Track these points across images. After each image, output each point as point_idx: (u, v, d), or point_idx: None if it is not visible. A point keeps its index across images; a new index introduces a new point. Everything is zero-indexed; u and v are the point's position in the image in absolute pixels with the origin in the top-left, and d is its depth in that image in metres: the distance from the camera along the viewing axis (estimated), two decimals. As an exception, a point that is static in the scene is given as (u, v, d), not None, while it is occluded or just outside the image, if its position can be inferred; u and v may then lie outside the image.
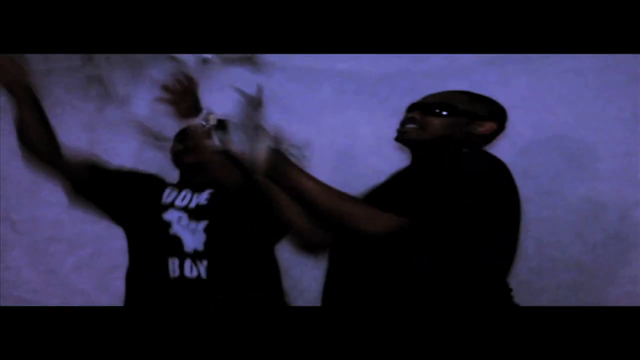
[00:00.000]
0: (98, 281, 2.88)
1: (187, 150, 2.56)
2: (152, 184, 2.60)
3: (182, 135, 2.63)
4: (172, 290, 2.34)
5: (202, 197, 2.50)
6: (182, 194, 2.53)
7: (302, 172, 2.02)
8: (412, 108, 2.29)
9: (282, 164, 1.99)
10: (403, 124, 2.28)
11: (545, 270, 2.79)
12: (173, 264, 2.38)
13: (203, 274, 2.36)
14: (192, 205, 2.49)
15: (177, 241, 2.41)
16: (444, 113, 2.21)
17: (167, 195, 2.53)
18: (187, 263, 2.39)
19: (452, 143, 2.15)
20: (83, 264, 2.96)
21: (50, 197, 2.91)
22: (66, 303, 2.90)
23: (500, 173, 2.10)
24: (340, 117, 2.79)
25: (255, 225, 2.42)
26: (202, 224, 2.44)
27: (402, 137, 2.27)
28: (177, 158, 2.63)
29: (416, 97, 2.80)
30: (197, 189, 2.54)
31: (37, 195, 3.01)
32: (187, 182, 2.59)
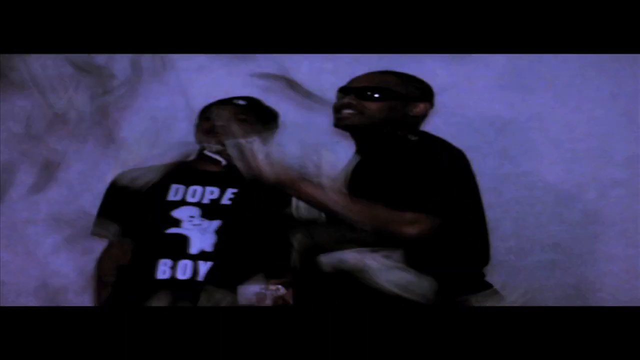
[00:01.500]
0: (75, 263, 2.88)
1: (214, 131, 2.45)
2: (151, 185, 2.45)
3: (208, 114, 2.51)
4: (153, 292, 2.25)
5: (225, 196, 2.40)
6: (191, 189, 2.42)
7: (319, 187, 2.06)
8: (345, 92, 2.29)
9: (296, 182, 2.04)
10: (339, 109, 2.28)
11: (523, 250, 2.80)
12: (165, 265, 2.28)
13: (200, 276, 2.27)
14: (206, 200, 2.39)
15: (181, 241, 2.32)
16: (380, 96, 2.22)
17: (175, 193, 2.42)
18: (184, 264, 2.29)
19: (392, 126, 2.20)
20: (61, 245, 2.95)
21: (26, 178, 2.87)
22: (45, 284, 2.91)
23: (468, 163, 2.15)
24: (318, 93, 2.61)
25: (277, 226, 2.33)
26: (215, 224, 2.35)
27: (341, 124, 2.28)
28: (204, 138, 2.49)
29: None
30: (208, 182, 2.43)
31: (12, 176, 2.99)
32: (197, 173, 2.47)
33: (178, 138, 2.76)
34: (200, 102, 2.59)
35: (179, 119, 2.86)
